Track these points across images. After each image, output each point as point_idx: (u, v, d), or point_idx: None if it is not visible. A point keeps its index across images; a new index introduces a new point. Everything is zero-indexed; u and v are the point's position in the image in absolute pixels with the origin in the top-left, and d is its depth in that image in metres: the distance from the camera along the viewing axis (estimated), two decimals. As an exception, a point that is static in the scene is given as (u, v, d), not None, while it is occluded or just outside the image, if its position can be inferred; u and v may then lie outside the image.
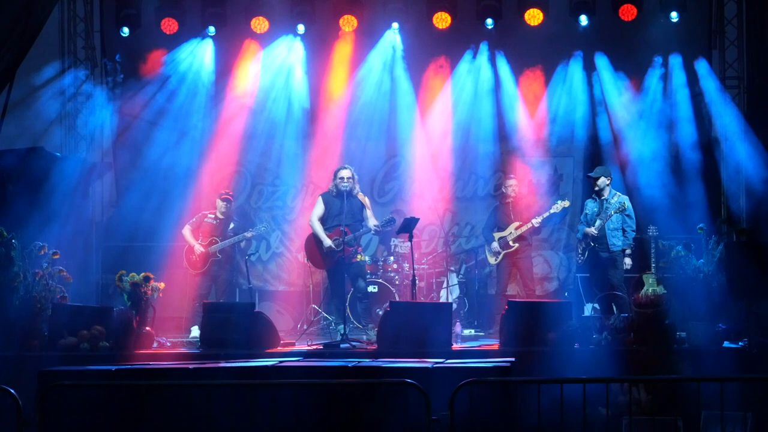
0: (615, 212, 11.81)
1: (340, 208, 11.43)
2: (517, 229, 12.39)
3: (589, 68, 13.83)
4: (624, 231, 11.89)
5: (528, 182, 14.00)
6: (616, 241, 11.87)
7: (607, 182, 12.05)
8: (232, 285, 12.68)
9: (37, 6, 11.29)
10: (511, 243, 12.39)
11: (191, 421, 7.79)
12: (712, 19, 13.63)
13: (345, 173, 11.50)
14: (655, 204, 12.89)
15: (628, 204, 11.96)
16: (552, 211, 12.37)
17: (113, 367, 8.63)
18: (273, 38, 14.17)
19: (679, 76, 13.56)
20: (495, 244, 12.45)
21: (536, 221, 12.37)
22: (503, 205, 12.70)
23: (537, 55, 13.90)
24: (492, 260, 12.62)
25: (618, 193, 12.12)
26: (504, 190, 12.77)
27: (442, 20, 13.80)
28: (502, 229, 12.51)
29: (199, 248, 12.16)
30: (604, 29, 13.73)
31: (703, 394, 7.31)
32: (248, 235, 12.31)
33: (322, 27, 14.08)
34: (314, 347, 10.52)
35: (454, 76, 14.14)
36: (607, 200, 11.99)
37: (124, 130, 14.19)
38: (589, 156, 13.81)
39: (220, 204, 12.49)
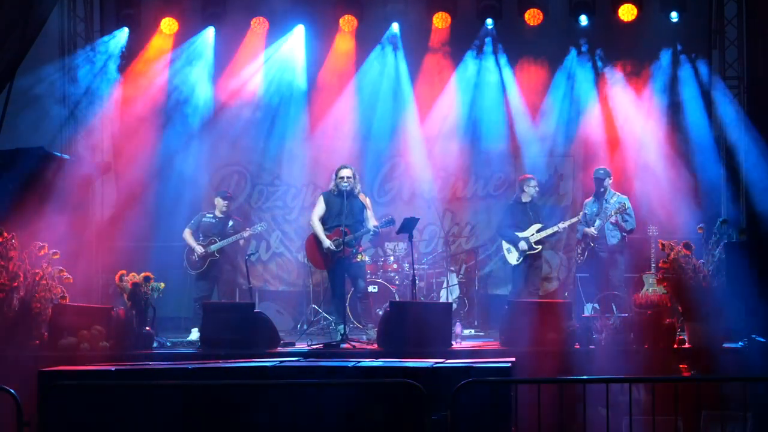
0: (615, 213, 11.80)
1: (341, 208, 11.40)
2: (539, 231, 12.23)
3: (590, 68, 13.82)
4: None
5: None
6: (615, 241, 11.87)
7: (610, 183, 12.08)
8: (232, 285, 12.66)
9: (37, 6, 11.29)
10: (534, 245, 12.28)
11: (191, 421, 7.79)
12: (712, 19, 13.64)
13: (346, 172, 11.47)
14: (656, 204, 12.89)
15: (627, 204, 11.97)
16: (580, 217, 12.23)
17: (113, 367, 8.62)
18: (273, 38, 14.18)
19: (679, 77, 13.56)
20: (523, 244, 12.13)
21: (562, 225, 12.21)
22: (521, 205, 12.37)
23: (538, 55, 13.91)
24: (513, 261, 12.28)
25: (617, 193, 12.11)
26: (526, 189, 12.35)
27: (442, 20, 13.82)
28: (521, 229, 12.24)
29: (199, 249, 12.12)
30: (605, 29, 13.73)
31: (703, 394, 7.32)
32: (245, 234, 12.24)
33: (322, 27, 14.09)
34: (314, 347, 10.51)
35: (455, 76, 14.13)
36: (606, 200, 11.98)
37: (124, 130, 14.19)
38: (589, 156, 13.80)
39: (220, 202, 12.44)
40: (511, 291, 12.64)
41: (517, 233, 12.22)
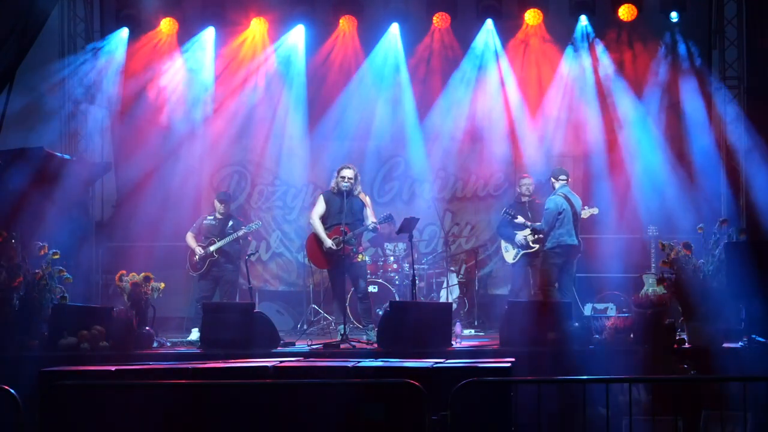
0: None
1: (341, 207, 11.40)
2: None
3: (590, 68, 13.82)
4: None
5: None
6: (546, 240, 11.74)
7: (554, 183, 11.78)
8: (233, 285, 12.66)
9: (37, 6, 11.30)
10: (531, 243, 12.29)
11: (191, 421, 7.79)
12: (712, 19, 13.64)
13: (347, 172, 11.46)
14: (656, 204, 12.89)
15: (548, 204, 11.60)
16: (581, 216, 12.18)
17: (113, 367, 8.61)
18: (273, 39, 14.18)
19: (679, 77, 13.56)
20: (520, 238, 12.17)
21: None
22: (519, 205, 12.47)
23: (538, 55, 13.91)
24: (510, 259, 12.40)
25: (561, 193, 11.69)
26: (519, 189, 12.59)
27: (442, 20, 13.82)
28: (519, 228, 12.30)
29: (198, 250, 12.13)
30: (605, 29, 13.74)
31: (703, 394, 7.33)
32: (240, 233, 12.24)
33: (322, 27, 14.09)
34: (314, 347, 10.52)
35: (455, 76, 14.13)
36: None
37: (124, 130, 14.19)
38: (590, 156, 13.79)
39: (218, 205, 12.46)
40: (510, 290, 12.65)
41: (515, 232, 12.29)
